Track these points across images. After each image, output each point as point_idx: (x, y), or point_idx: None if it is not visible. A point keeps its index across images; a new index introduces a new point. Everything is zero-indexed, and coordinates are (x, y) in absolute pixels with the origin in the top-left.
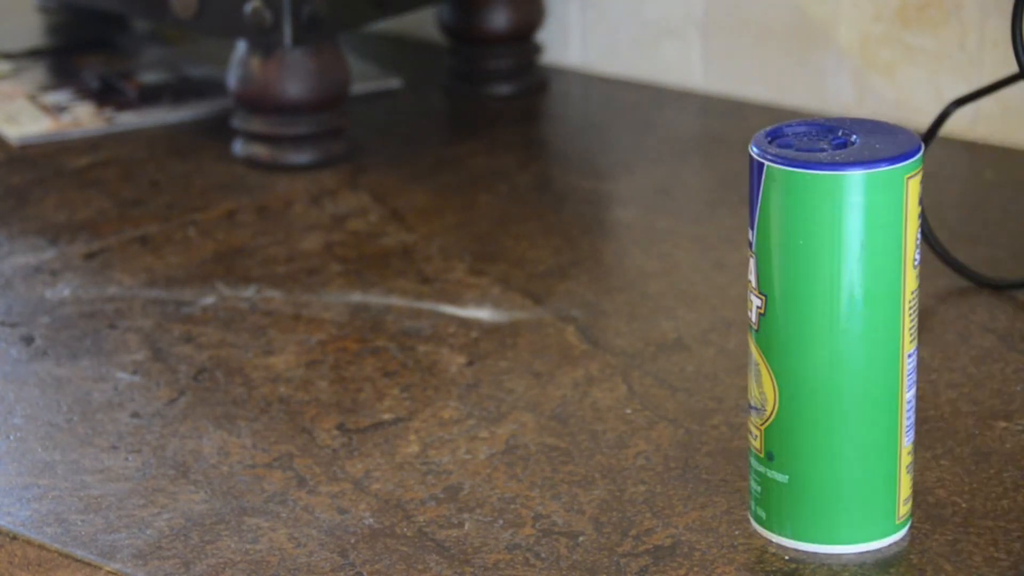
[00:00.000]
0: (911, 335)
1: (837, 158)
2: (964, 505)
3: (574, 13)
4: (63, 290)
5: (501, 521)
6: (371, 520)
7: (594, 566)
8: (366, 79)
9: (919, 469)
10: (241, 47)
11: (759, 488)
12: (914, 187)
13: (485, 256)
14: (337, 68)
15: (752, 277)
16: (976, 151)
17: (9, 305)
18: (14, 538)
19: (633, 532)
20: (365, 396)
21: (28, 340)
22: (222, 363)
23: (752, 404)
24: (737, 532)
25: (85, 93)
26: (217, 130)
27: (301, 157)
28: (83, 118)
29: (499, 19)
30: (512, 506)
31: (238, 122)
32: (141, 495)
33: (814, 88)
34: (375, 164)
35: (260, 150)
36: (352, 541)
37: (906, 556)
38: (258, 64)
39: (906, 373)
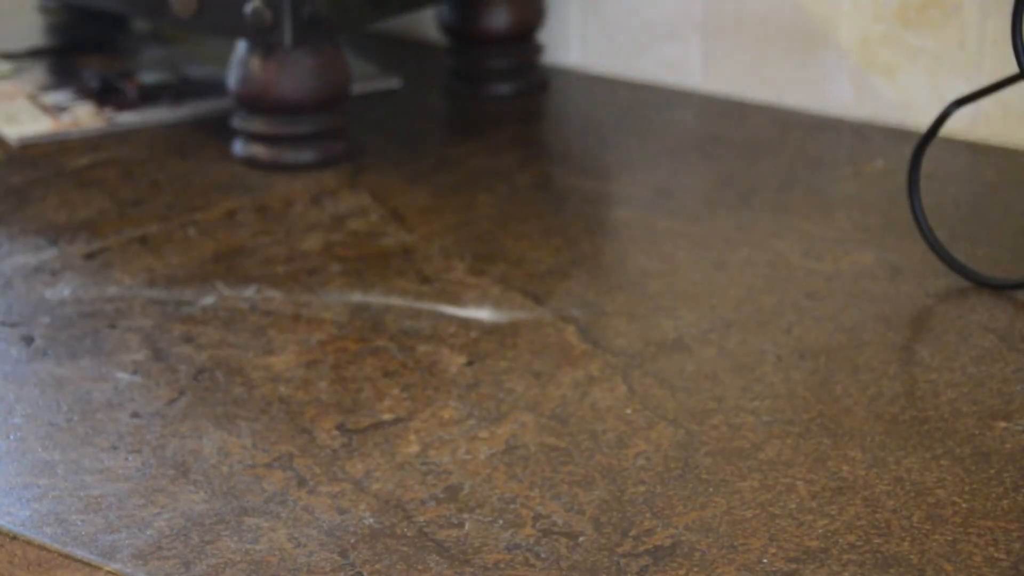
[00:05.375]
0: None
1: None
2: (964, 505)
3: (574, 13)
4: (63, 290)
5: (501, 521)
6: (371, 520)
7: (594, 566)
8: (366, 79)
9: (918, 469)
10: (241, 47)
11: None
12: None
13: (485, 256)
14: (337, 68)
15: None
16: (976, 151)
17: (9, 305)
18: (14, 538)
19: (633, 532)
20: (365, 396)
21: (28, 340)
22: (222, 363)
23: None
24: (737, 532)
25: (85, 93)
26: (217, 130)
27: (301, 157)
28: (83, 118)
29: (499, 19)
30: (512, 506)
31: (238, 122)
32: (141, 495)
33: (814, 88)
34: (375, 164)
35: (260, 150)
36: (352, 541)
37: (906, 557)
38: (258, 64)
39: None
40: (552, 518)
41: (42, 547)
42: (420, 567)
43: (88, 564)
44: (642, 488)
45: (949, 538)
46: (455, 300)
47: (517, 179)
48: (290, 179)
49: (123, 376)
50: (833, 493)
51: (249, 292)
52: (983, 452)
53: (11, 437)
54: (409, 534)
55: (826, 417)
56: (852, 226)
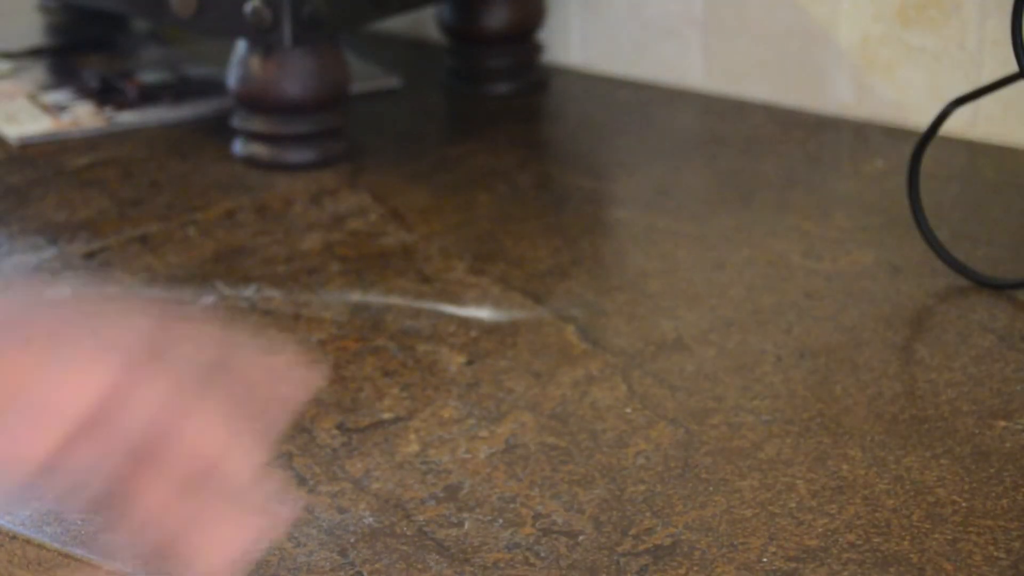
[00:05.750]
0: None
1: None
2: (964, 505)
3: (574, 13)
4: (63, 290)
5: (501, 520)
6: (371, 519)
7: (594, 565)
8: (366, 79)
9: (918, 468)
10: (241, 47)
11: None
12: None
13: (485, 256)
14: (337, 68)
15: None
16: (976, 151)
17: None
18: (14, 538)
19: (633, 532)
20: (365, 395)
21: None
22: None
23: None
24: (737, 531)
25: (85, 93)
26: (217, 130)
27: (301, 157)
28: (83, 118)
29: (499, 19)
30: (512, 505)
31: (238, 122)
32: None
33: (814, 88)
34: (375, 164)
35: (260, 150)
36: (352, 540)
37: (906, 556)
38: (258, 64)
39: None
40: (552, 517)
41: (42, 547)
42: (420, 566)
43: (88, 564)
44: (642, 487)
45: (949, 537)
46: (455, 300)
47: (517, 179)
48: (290, 179)
49: None
50: (833, 492)
51: (249, 292)
52: (983, 451)
53: None
54: (409, 533)
55: (826, 416)
56: (852, 226)
